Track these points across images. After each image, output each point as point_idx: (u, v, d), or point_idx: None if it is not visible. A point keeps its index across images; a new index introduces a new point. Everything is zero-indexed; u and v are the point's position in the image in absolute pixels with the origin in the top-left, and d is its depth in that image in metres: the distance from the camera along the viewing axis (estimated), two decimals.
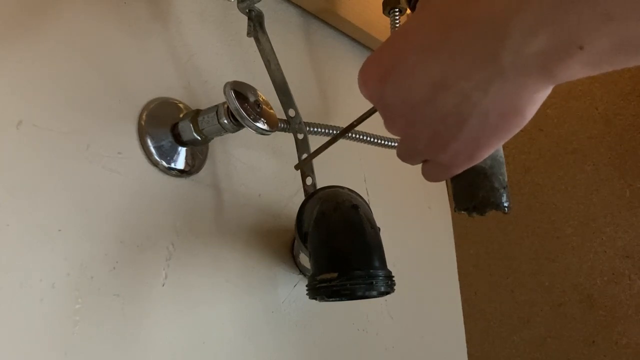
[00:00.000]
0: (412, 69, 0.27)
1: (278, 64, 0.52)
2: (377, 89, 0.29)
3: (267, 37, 0.51)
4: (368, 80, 0.30)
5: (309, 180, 0.51)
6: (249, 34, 0.52)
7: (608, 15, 0.19)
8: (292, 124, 0.53)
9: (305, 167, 0.51)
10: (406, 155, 0.33)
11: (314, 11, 0.70)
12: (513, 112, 0.26)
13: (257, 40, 0.51)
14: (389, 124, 0.31)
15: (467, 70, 0.25)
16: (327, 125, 0.58)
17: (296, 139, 0.53)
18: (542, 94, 0.25)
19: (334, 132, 0.58)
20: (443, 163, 0.31)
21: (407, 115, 0.29)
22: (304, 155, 0.52)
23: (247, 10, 0.51)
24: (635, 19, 0.19)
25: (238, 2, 0.51)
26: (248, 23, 0.52)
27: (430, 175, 0.33)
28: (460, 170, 0.31)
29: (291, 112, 0.53)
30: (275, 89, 0.53)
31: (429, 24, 0.26)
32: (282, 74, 0.52)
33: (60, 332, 0.38)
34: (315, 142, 0.53)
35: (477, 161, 0.30)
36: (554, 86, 0.25)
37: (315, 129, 0.57)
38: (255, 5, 0.51)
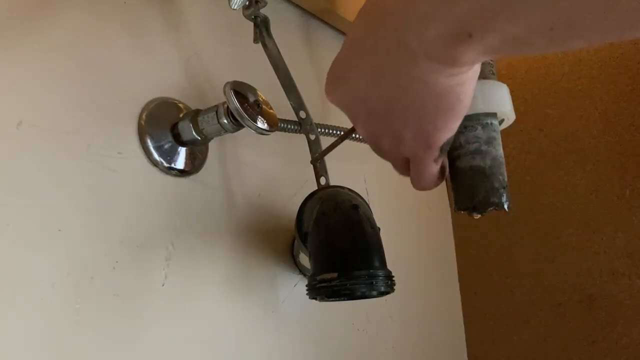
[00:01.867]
0: (352, 67, 0.30)
1: (286, 68, 0.53)
2: (335, 94, 0.32)
3: (274, 41, 0.52)
4: (328, 89, 0.33)
5: (322, 180, 0.52)
6: (255, 41, 0.52)
7: (486, 9, 0.22)
8: (303, 126, 0.53)
9: (319, 167, 0.52)
10: (383, 155, 0.35)
11: (314, 11, 0.70)
12: (444, 94, 0.28)
13: (265, 46, 0.52)
14: (356, 126, 0.34)
15: (389, 59, 0.27)
16: (336, 126, 0.58)
17: (308, 140, 0.54)
18: (465, 77, 0.27)
19: (342, 132, 0.59)
20: (411, 157, 0.33)
21: (361, 112, 0.32)
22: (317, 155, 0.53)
23: (252, 17, 0.51)
24: (513, 21, 0.21)
25: (243, 10, 0.51)
26: (254, 29, 0.52)
27: (414, 181, 0.35)
28: (428, 163, 0.33)
29: (302, 114, 0.54)
30: (285, 92, 0.53)
31: (357, 24, 0.29)
32: (291, 77, 0.53)
33: (60, 332, 0.38)
34: (323, 142, 0.54)
35: (435, 147, 0.31)
36: (473, 66, 0.27)
37: (326, 130, 0.57)
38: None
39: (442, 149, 0.32)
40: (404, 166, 0.35)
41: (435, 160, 0.33)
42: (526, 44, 0.23)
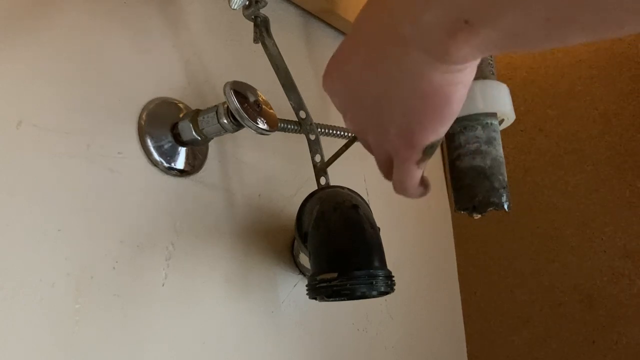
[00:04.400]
0: (348, 56, 0.30)
1: (286, 68, 0.52)
2: (329, 82, 0.33)
3: (274, 41, 0.52)
4: (324, 76, 0.33)
5: (322, 180, 0.52)
6: (255, 41, 0.52)
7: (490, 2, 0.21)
8: (303, 126, 0.54)
9: (319, 167, 0.52)
10: (369, 149, 0.34)
11: (314, 11, 0.70)
12: (433, 93, 0.27)
13: (265, 46, 0.52)
14: (344, 116, 0.33)
15: (382, 49, 0.27)
16: (336, 126, 0.58)
17: (308, 140, 0.54)
18: (457, 77, 0.27)
19: (342, 132, 0.59)
20: (394, 156, 0.32)
21: (351, 102, 0.31)
22: (317, 156, 0.53)
23: (252, 17, 0.51)
24: (511, 10, 0.21)
25: (243, 10, 0.51)
26: (254, 29, 0.52)
27: (395, 183, 0.34)
28: (410, 164, 0.31)
29: (302, 114, 0.54)
30: (285, 92, 0.53)
31: (360, 11, 0.29)
32: (291, 77, 0.53)
33: (60, 332, 0.38)
34: (323, 142, 0.54)
35: (419, 147, 0.30)
36: (466, 67, 0.26)
37: (326, 130, 0.57)
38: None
39: (425, 151, 0.30)
40: (388, 166, 0.34)
41: (418, 164, 0.32)
42: (522, 36, 0.22)
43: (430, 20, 0.24)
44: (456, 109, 0.28)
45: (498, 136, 0.38)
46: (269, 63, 0.53)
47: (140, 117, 0.46)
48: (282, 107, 0.52)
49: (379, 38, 0.27)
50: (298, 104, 0.54)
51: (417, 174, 0.32)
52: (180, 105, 0.50)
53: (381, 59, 0.27)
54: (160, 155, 0.47)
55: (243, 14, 0.52)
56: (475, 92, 0.47)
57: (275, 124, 0.46)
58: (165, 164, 0.47)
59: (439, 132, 0.29)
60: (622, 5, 0.19)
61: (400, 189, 0.34)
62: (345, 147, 0.50)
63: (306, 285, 0.45)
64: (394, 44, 0.26)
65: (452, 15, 0.23)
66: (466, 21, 0.23)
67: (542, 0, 0.20)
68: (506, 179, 0.37)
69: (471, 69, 0.27)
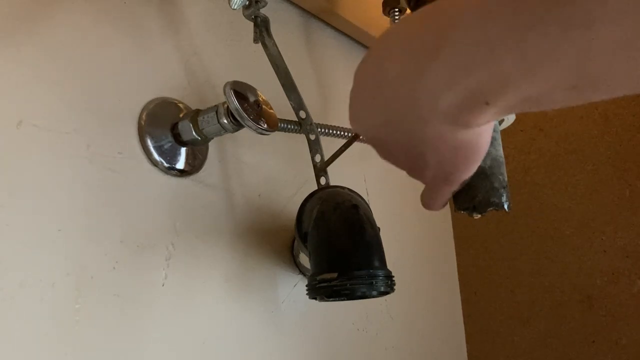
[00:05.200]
0: (367, 111, 0.29)
1: (286, 68, 0.52)
2: (355, 127, 0.32)
3: (274, 41, 0.52)
4: (350, 119, 0.32)
5: (322, 180, 0.52)
6: (255, 41, 0.52)
7: (507, 77, 0.20)
8: (303, 126, 0.54)
9: (319, 167, 0.52)
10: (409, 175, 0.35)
11: (314, 11, 0.70)
12: (461, 147, 0.27)
13: (265, 46, 0.52)
14: (379, 154, 0.34)
15: (402, 117, 0.26)
16: (336, 126, 0.58)
17: (308, 140, 0.54)
18: (481, 129, 0.26)
19: (342, 132, 0.59)
20: (430, 186, 0.33)
21: (382, 148, 0.31)
22: (317, 156, 0.53)
23: (252, 17, 0.51)
24: (530, 82, 0.20)
25: (243, 10, 0.51)
26: (254, 29, 0.52)
27: (425, 202, 0.35)
28: (446, 193, 0.33)
29: (302, 114, 0.54)
30: (285, 92, 0.53)
31: (372, 62, 0.27)
32: (291, 77, 0.53)
33: (60, 332, 0.38)
34: (323, 142, 0.54)
35: (457, 184, 0.31)
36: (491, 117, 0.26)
37: (326, 130, 0.57)
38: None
39: (461, 183, 0.32)
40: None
41: (453, 192, 0.33)
42: (544, 102, 0.22)
43: (447, 104, 0.23)
44: (484, 150, 0.28)
45: (498, 136, 0.38)
46: (269, 63, 0.53)
47: (140, 117, 0.46)
48: (282, 107, 0.52)
49: (396, 104, 0.26)
50: (298, 104, 0.54)
51: (449, 195, 0.34)
52: (180, 105, 0.50)
53: (403, 124, 0.27)
54: (160, 155, 0.47)
55: (243, 14, 0.52)
56: None
57: (275, 124, 0.46)
58: (165, 164, 0.47)
59: (473, 170, 0.30)
60: None
61: (430, 207, 0.35)
62: (345, 147, 0.50)
63: (306, 285, 0.45)
64: (414, 116, 0.26)
65: (470, 99, 0.22)
66: (487, 103, 0.22)
67: (570, 72, 0.19)
68: (506, 178, 0.37)
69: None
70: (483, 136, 0.27)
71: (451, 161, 0.28)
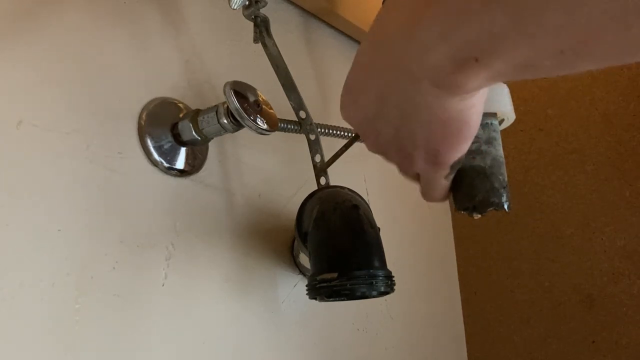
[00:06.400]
0: (361, 89, 0.30)
1: (286, 68, 0.52)
2: (346, 113, 0.33)
3: (274, 41, 0.52)
4: (341, 106, 0.33)
5: (322, 180, 0.52)
6: (255, 41, 0.52)
7: (496, 34, 0.21)
8: (303, 126, 0.54)
9: (319, 167, 0.53)
10: (399, 168, 0.35)
11: (314, 11, 0.70)
12: (451, 119, 0.27)
13: (265, 46, 0.52)
14: (366, 143, 0.34)
15: (394, 85, 0.27)
16: (336, 126, 0.58)
17: (308, 140, 0.54)
18: (472, 101, 0.27)
19: (342, 132, 0.59)
20: (421, 174, 0.33)
21: (371, 132, 0.32)
22: (317, 156, 0.53)
23: (252, 17, 0.51)
24: (519, 42, 0.21)
25: (243, 10, 0.51)
26: (254, 29, 0.52)
27: (424, 194, 0.35)
28: (439, 179, 0.33)
29: (302, 114, 0.54)
30: (285, 92, 0.53)
31: (365, 45, 0.28)
32: (291, 77, 0.53)
33: (60, 332, 0.38)
34: (323, 142, 0.54)
35: (446, 166, 0.31)
36: (480, 92, 0.26)
37: (326, 130, 0.57)
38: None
39: (452, 166, 0.32)
40: (415, 177, 0.35)
41: (446, 177, 0.33)
42: (533, 67, 0.22)
43: (438, 58, 0.23)
44: (476, 125, 0.28)
45: (498, 136, 0.38)
46: (269, 63, 0.53)
47: (140, 117, 0.46)
48: (282, 107, 0.52)
49: (390, 75, 0.27)
50: (298, 104, 0.54)
51: (445, 185, 0.34)
52: (180, 105, 0.50)
53: (394, 94, 0.27)
54: (160, 155, 0.47)
55: (243, 14, 0.52)
56: None
57: (275, 124, 0.46)
58: (165, 164, 0.47)
59: (463, 149, 0.30)
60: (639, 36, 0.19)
61: (429, 198, 0.36)
62: (345, 147, 0.50)
63: (306, 285, 0.45)
64: (405, 81, 0.26)
65: (460, 54, 0.22)
66: (476, 59, 0.22)
67: (557, 34, 0.20)
68: (506, 178, 0.37)
69: (484, 90, 0.27)
70: (474, 108, 0.27)
71: (441, 136, 0.28)
